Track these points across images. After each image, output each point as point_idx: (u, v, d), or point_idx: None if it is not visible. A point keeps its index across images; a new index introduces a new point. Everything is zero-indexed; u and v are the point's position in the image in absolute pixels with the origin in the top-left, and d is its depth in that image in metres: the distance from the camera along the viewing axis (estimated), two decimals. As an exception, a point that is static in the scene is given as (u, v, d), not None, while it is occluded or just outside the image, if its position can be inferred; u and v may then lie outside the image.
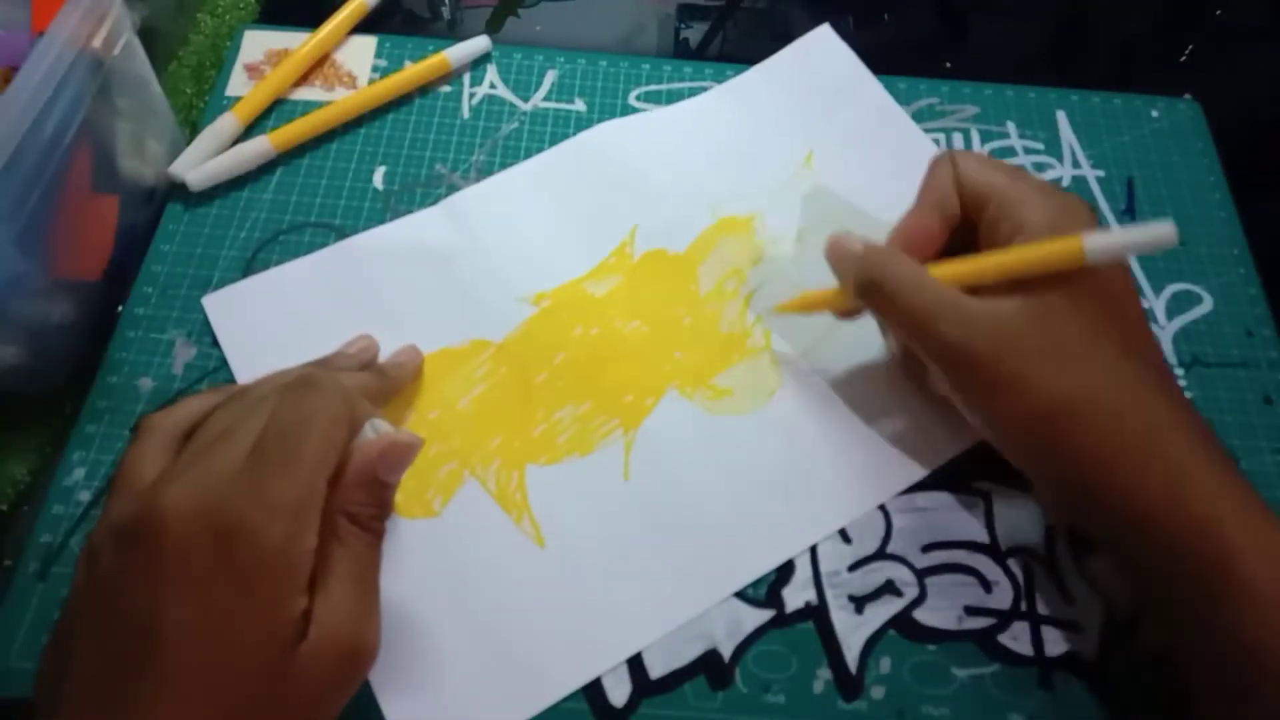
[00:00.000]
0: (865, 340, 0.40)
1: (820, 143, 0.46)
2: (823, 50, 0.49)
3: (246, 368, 0.39)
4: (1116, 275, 0.32)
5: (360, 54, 0.49)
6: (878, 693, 0.34)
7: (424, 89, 0.48)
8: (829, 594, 0.35)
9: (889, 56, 0.48)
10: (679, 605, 0.35)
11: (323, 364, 0.36)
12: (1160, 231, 0.28)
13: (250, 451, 0.27)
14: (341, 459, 0.28)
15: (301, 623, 0.26)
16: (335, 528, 0.28)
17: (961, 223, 0.35)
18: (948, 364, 0.33)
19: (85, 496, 0.36)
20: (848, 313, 0.37)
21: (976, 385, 0.33)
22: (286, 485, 0.26)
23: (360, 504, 0.29)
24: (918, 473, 0.37)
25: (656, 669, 0.34)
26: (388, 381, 0.37)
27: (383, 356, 0.39)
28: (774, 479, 0.37)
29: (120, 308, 0.41)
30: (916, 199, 0.36)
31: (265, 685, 0.26)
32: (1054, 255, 0.31)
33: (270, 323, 0.40)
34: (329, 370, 0.34)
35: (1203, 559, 0.29)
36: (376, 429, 0.30)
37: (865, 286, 0.35)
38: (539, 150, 0.46)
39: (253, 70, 0.48)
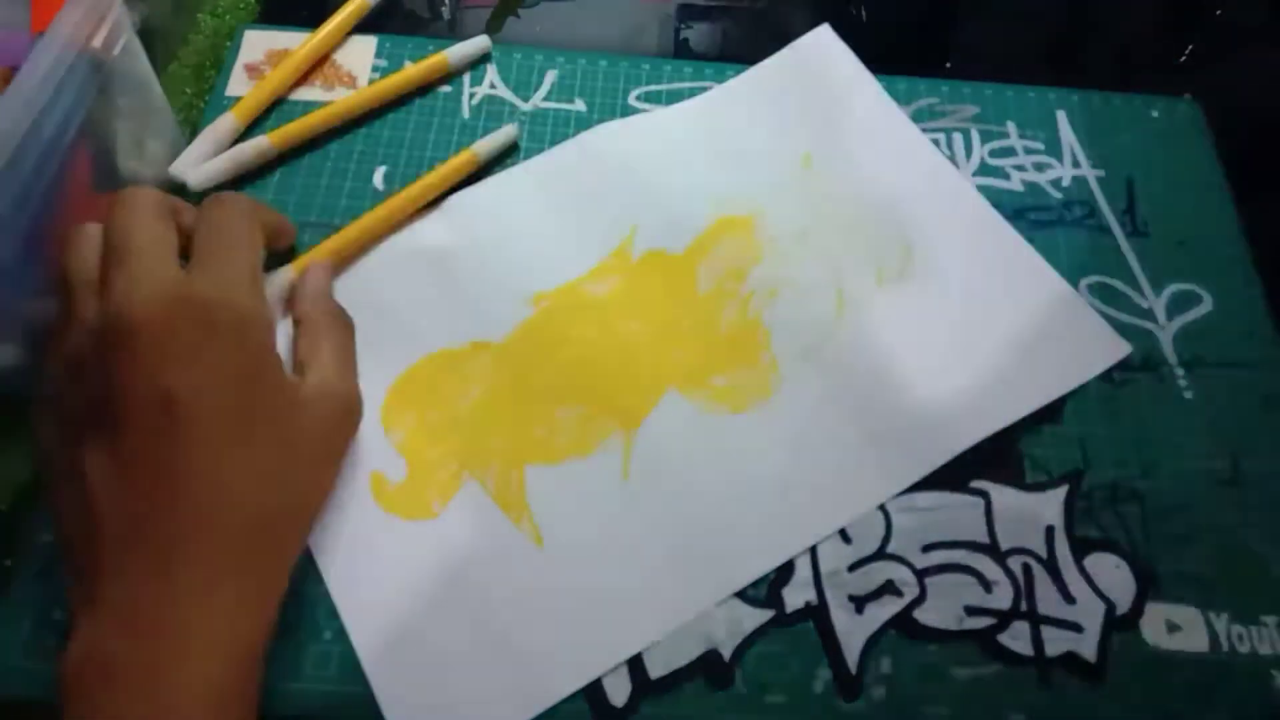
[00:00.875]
0: (865, 341, 0.40)
1: (819, 144, 0.46)
2: (822, 51, 0.49)
3: None
4: None
5: (360, 54, 0.49)
6: (878, 693, 0.34)
7: (424, 89, 0.48)
8: (829, 594, 0.35)
9: (889, 57, 0.48)
10: (679, 606, 0.35)
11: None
12: None
13: (193, 251, 0.31)
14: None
15: (295, 384, 0.32)
16: (313, 319, 0.36)
17: None
18: None
19: (85, 496, 0.36)
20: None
21: None
22: (234, 264, 0.31)
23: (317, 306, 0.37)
24: (917, 473, 0.37)
25: (656, 669, 0.34)
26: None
27: (383, 359, 0.39)
28: (774, 479, 0.37)
29: (120, 308, 0.41)
30: None
31: (281, 420, 0.31)
32: None
33: None
34: None
35: None
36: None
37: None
38: (539, 150, 0.46)
39: (253, 70, 0.48)
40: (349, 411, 0.34)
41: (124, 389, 0.28)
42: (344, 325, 0.37)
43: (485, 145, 0.45)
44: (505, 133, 0.45)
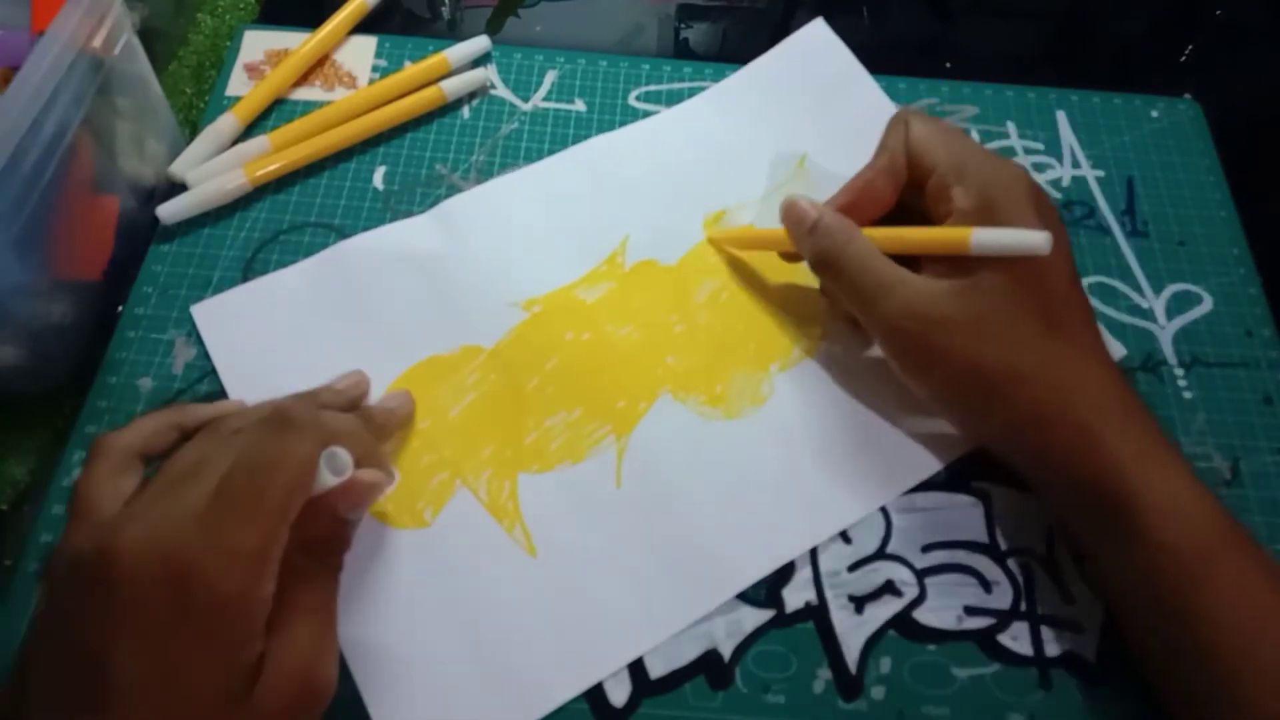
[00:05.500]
0: (858, 346, 0.40)
1: (814, 144, 0.46)
2: (816, 46, 0.49)
3: (236, 377, 0.39)
4: (1052, 259, 0.33)
5: (360, 54, 0.49)
6: (878, 693, 0.34)
7: (424, 89, 0.48)
8: (829, 594, 0.35)
9: (889, 56, 0.48)
10: (673, 613, 0.35)
11: (308, 397, 0.35)
12: (1036, 239, 0.32)
13: (215, 492, 0.26)
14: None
15: (256, 666, 0.26)
16: (294, 564, 0.28)
17: (911, 184, 0.37)
18: (884, 337, 0.36)
19: (85, 496, 0.36)
20: (790, 256, 0.40)
21: (910, 357, 0.36)
22: (248, 532, 0.26)
23: (321, 540, 0.29)
24: (912, 479, 0.37)
25: (656, 669, 0.34)
26: (372, 428, 0.35)
27: (375, 366, 0.39)
28: (768, 485, 0.37)
29: (120, 308, 0.41)
30: (872, 157, 0.38)
31: (219, 710, 0.26)
32: (947, 242, 0.34)
33: (259, 331, 0.40)
34: (312, 405, 0.33)
35: (1109, 502, 0.32)
36: (336, 463, 0.28)
37: (820, 260, 0.37)
38: (539, 150, 0.46)
39: (253, 70, 0.48)
40: (313, 700, 0.28)
41: (52, 648, 0.26)
42: (329, 578, 0.30)
43: (457, 51, 0.47)
44: (477, 43, 0.48)
